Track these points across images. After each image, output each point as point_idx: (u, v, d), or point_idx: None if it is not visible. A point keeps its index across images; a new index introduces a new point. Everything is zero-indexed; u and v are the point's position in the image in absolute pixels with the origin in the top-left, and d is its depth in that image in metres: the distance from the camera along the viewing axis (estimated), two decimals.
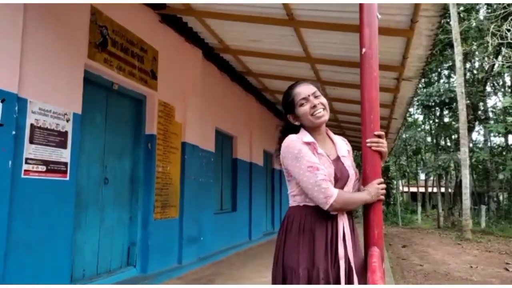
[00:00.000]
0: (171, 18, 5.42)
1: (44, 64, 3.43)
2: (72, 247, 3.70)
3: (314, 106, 1.68)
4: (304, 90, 1.72)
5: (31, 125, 3.28)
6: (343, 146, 1.79)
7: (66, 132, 3.62)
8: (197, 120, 6.15)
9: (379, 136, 1.73)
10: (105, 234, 4.41)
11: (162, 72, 5.32)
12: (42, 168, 3.36)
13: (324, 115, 1.70)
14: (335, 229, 1.62)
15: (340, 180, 1.65)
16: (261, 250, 7.50)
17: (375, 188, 1.64)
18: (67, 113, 3.65)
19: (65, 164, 3.59)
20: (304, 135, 1.69)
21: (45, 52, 3.44)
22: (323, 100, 1.73)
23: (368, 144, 1.72)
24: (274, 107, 10.46)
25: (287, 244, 1.64)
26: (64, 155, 3.59)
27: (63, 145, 3.59)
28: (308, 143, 1.64)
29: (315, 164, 1.57)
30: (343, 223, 1.64)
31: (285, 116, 1.81)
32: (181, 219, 5.59)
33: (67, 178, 3.60)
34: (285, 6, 4.39)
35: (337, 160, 1.71)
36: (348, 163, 1.74)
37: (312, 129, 1.72)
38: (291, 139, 1.65)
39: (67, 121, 3.64)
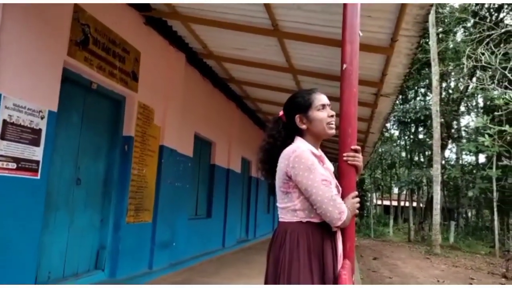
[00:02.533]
0: (155, 21, 5.38)
1: (21, 59, 3.34)
2: (38, 249, 3.58)
3: (332, 116, 1.68)
4: (324, 98, 1.71)
5: (4, 120, 3.17)
6: (329, 162, 1.79)
7: (40, 130, 3.52)
8: (177, 124, 6.10)
9: (356, 151, 1.76)
10: (74, 236, 4.29)
11: (143, 74, 5.26)
12: (13, 165, 3.25)
13: (334, 128, 1.70)
14: (335, 246, 1.60)
15: (337, 191, 1.66)
16: (234, 258, 7.45)
17: (351, 202, 1.64)
18: (42, 110, 3.55)
19: (37, 162, 3.49)
20: (311, 147, 1.64)
21: (23, 47, 3.35)
22: None
23: (345, 158, 1.76)
24: (255, 115, 10.50)
25: (294, 264, 1.51)
26: (37, 153, 3.49)
27: (36, 142, 3.49)
28: (316, 156, 1.60)
29: (328, 177, 1.54)
30: (340, 239, 1.66)
31: (287, 117, 1.73)
32: (155, 224, 5.50)
33: (38, 177, 3.50)
34: (271, 16, 4.44)
35: (332, 173, 1.72)
36: (335, 178, 1.74)
37: (316, 139, 1.70)
38: (302, 148, 1.57)
39: (42, 118, 3.55)
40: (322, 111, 1.67)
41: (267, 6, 4.19)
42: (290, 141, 1.69)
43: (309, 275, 1.50)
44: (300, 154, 1.54)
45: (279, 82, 6.95)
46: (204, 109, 7.37)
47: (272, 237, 1.67)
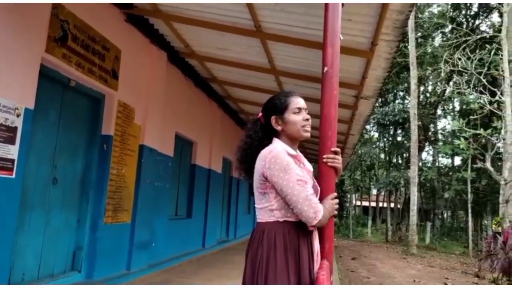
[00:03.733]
0: (137, 18, 5.31)
1: None
2: (12, 249, 3.48)
3: (307, 120, 1.71)
4: (302, 102, 1.75)
5: None
6: (308, 163, 1.82)
7: (15, 128, 3.43)
8: (157, 124, 6.04)
9: (335, 153, 1.79)
10: (50, 236, 4.18)
11: (124, 72, 5.18)
12: None
13: (309, 132, 1.73)
14: (311, 245, 1.63)
15: (314, 191, 1.67)
16: (214, 258, 7.43)
17: (330, 203, 1.66)
18: (18, 107, 3.46)
19: (12, 161, 3.39)
20: (287, 147, 1.67)
21: None
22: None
23: (324, 160, 1.78)
24: (236, 116, 10.49)
25: (271, 264, 1.53)
26: (12, 151, 3.39)
27: (11, 141, 3.39)
28: (292, 156, 1.64)
29: (303, 177, 1.57)
30: (317, 239, 1.68)
31: (265, 118, 1.76)
32: (133, 224, 5.43)
33: (13, 176, 3.40)
34: (254, 17, 4.45)
35: (310, 173, 1.75)
36: (314, 178, 1.77)
37: (292, 140, 1.73)
38: (278, 149, 1.61)
39: (18, 116, 3.45)
40: (298, 114, 1.70)
41: (250, 7, 4.19)
42: (267, 141, 1.72)
43: (286, 274, 1.52)
44: (276, 155, 1.58)
45: (261, 83, 6.97)
46: (185, 108, 7.32)
47: (250, 237, 1.69)
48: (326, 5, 1.97)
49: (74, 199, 4.61)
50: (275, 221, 1.59)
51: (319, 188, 1.72)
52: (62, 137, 4.35)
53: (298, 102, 1.73)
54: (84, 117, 4.77)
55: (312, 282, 1.57)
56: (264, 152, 1.62)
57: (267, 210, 1.61)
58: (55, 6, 3.90)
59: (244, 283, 1.63)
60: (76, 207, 4.65)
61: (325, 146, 1.82)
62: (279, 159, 1.56)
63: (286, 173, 1.53)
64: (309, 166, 1.78)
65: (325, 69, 1.89)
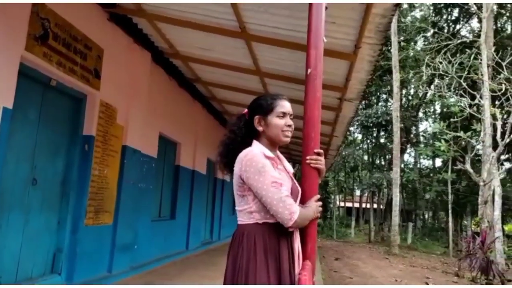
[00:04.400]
0: (120, 18, 5.25)
1: None
2: None
3: (289, 126, 1.72)
4: (288, 107, 1.75)
5: None
6: (288, 164, 1.84)
7: None
8: (141, 124, 5.97)
9: (319, 154, 1.80)
10: (29, 238, 4.08)
11: (106, 71, 5.11)
12: None
13: (290, 137, 1.74)
14: (291, 246, 1.63)
15: (294, 194, 1.68)
16: (198, 260, 7.38)
17: (314, 205, 1.67)
18: None
19: None
20: (264, 149, 1.67)
21: None
22: (293, 126, 1.77)
23: (308, 161, 1.79)
24: (221, 117, 10.47)
25: (251, 265, 1.54)
26: None
27: None
28: (270, 158, 1.64)
29: (279, 180, 1.56)
30: (298, 240, 1.68)
31: (247, 116, 1.77)
32: (115, 226, 5.35)
33: None
34: (238, 18, 4.45)
35: (288, 175, 1.75)
36: (294, 179, 1.78)
37: (272, 143, 1.73)
38: (254, 152, 1.61)
39: None
40: (281, 118, 1.71)
41: (234, 7, 4.19)
42: (249, 139, 1.73)
43: (266, 275, 1.52)
44: (251, 157, 1.58)
45: (246, 84, 6.98)
46: (169, 109, 7.26)
47: (232, 239, 1.69)
48: (310, 7, 1.99)
49: (54, 200, 4.52)
50: (255, 223, 1.60)
51: (299, 190, 1.73)
52: (42, 137, 4.26)
53: (283, 106, 1.73)
54: (65, 117, 4.67)
55: (293, 283, 1.58)
56: (241, 155, 1.63)
57: (246, 212, 1.62)
58: (35, 4, 3.82)
59: (224, 284, 1.64)
60: (56, 209, 4.56)
61: (309, 147, 1.83)
62: (255, 161, 1.56)
63: (261, 175, 1.54)
64: (290, 168, 1.80)
65: (309, 71, 1.90)
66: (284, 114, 1.71)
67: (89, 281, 4.66)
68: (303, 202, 1.75)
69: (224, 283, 1.64)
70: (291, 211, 1.51)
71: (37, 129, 4.19)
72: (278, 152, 1.83)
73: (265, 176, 1.54)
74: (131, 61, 5.68)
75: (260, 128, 1.72)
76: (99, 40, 4.94)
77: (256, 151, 1.63)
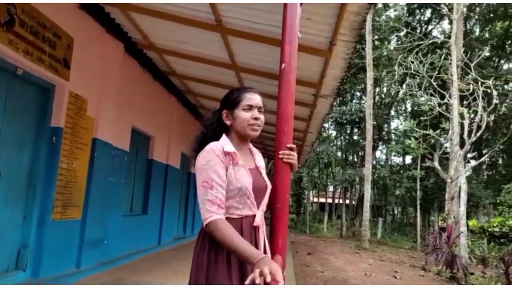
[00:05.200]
0: (91, 6, 5.07)
1: None
2: None
3: (256, 119, 1.68)
4: (255, 99, 1.71)
5: None
6: (260, 158, 1.83)
7: None
8: (112, 117, 5.82)
9: (291, 149, 1.81)
10: None
11: (76, 61, 4.94)
12: None
13: (258, 131, 1.71)
14: (256, 242, 1.62)
15: (259, 190, 1.67)
16: (169, 255, 7.30)
17: (268, 268, 1.27)
18: None
19: None
20: (226, 144, 1.64)
21: None
22: (263, 118, 1.74)
23: (280, 156, 1.79)
24: (196, 111, 10.36)
25: (212, 260, 1.54)
26: None
27: None
28: (228, 153, 1.61)
29: (212, 181, 1.52)
30: (263, 235, 1.66)
31: (218, 111, 1.76)
32: (84, 221, 5.20)
33: None
34: (214, 11, 4.40)
35: (256, 170, 1.74)
36: (265, 174, 1.77)
37: (240, 137, 1.71)
38: (209, 147, 1.59)
39: None
40: (248, 111, 1.68)
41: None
42: (219, 134, 1.72)
43: (227, 270, 1.52)
44: (201, 155, 1.59)
45: (222, 78, 6.92)
46: (143, 102, 7.11)
47: (198, 234, 1.69)
48: (285, 2, 1.98)
49: (19, 194, 4.35)
50: None
51: (268, 185, 1.73)
52: (7, 128, 4.08)
53: (250, 99, 1.70)
54: (32, 108, 4.49)
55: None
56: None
57: None
58: None
59: (190, 279, 1.63)
60: (22, 203, 4.39)
61: (281, 142, 1.83)
62: (200, 158, 1.57)
63: (198, 173, 1.55)
64: (261, 162, 1.79)
65: (283, 65, 1.90)
66: (250, 107, 1.68)
67: (56, 278, 4.52)
68: (275, 195, 1.76)
69: (190, 279, 1.63)
70: (205, 217, 1.49)
71: (2, 120, 4.02)
72: (250, 146, 1.82)
73: (202, 174, 1.54)
74: (103, 52, 5.51)
75: (228, 122, 1.71)
76: (69, 28, 4.77)
77: (213, 146, 1.60)
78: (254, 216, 1.63)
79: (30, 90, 4.45)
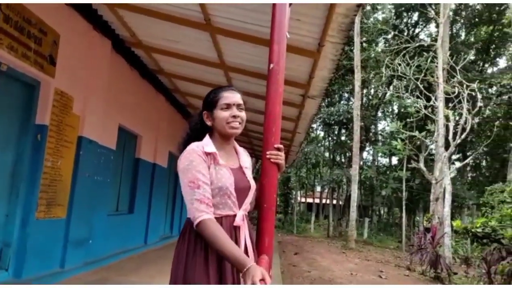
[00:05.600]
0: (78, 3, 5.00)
1: None
2: None
3: (234, 116, 1.68)
4: (232, 97, 1.70)
5: None
6: (245, 158, 1.82)
7: None
8: (99, 114, 5.75)
9: (278, 149, 1.81)
10: None
11: (62, 58, 4.87)
12: None
13: (238, 128, 1.70)
14: (237, 241, 1.61)
15: (242, 190, 1.67)
16: (156, 255, 7.25)
17: (256, 274, 1.33)
18: None
19: None
20: (207, 144, 1.65)
21: None
22: (243, 115, 1.73)
23: (268, 156, 1.79)
24: (184, 109, 10.30)
25: (190, 257, 1.56)
26: None
27: None
28: (209, 153, 1.61)
29: (198, 181, 1.53)
30: (245, 234, 1.65)
31: (201, 112, 1.77)
32: (69, 220, 5.13)
33: None
34: (203, 10, 4.38)
35: (240, 170, 1.73)
36: (250, 174, 1.76)
37: (222, 137, 1.71)
38: (190, 148, 1.61)
39: None
40: (226, 110, 1.68)
41: None
42: (202, 135, 1.73)
43: (205, 268, 1.53)
44: (184, 155, 1.60)
45: (210, 77, 6.90)
46: (130, 100, 7.04)
47: (180, 233, 1.70)
48: (274, 3, 1.98)
49: (2, 192, 4.27)
50: None
51: (251, 184, 1.72)
52: None
53: (227, 97, 1.70)
54: (16, 105, 4.41)
55: (236, 277, 1.57)
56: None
57: None
58: None
59: (170, 277, 1.64)
60: (5, 201, 4.31)
61: (269, 142, 1.83)
62: (184, 158, 1.58)
63: (183, 174, 1.56)
64: (245, 162, 1.79)
65: (271, 66, 1.90)
66: (228, 106, 1.68)
67: (40, 277, 4.45)
68: (262, 195, 1.76)
69: (170, 278, 1.64)
70: (194, 216, 1.50)
71: None
72: (236, 145, 1.82)
73: (187, 175, 1.55)
74: (89, 49, 5.44)
75: (209, 123, 1.73)
76: (55, 25, 4.69)
77: (194, 146, 1.61)
78: (235, 216, 1.63)
79: (15, 86, 4.37)
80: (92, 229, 5.73)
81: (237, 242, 1.60)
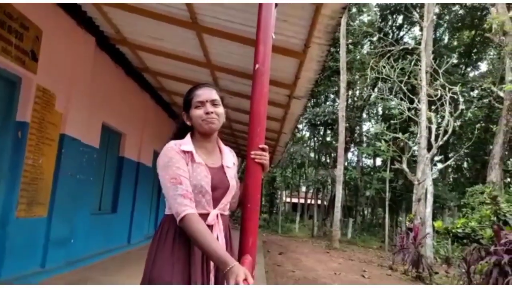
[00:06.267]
0: None
1: None
2: None
3: (208, 113, 1.66)
4: (205, 94, 1.70)
5: None
6: (229, 157, 1.80)
7: None
8: (82, 112, 5.66)
9: (263, 149, 1.81)
10: None
11: (45, 54, 4.77)
12: None
13: (215, 124, 1.68)
14: None
15: (219, 188, 1.65)
16: (139, 254, 7.17)
17: (239, 274, 1.31)
18: None
19: None
20: (185, 143, 1.65)
21: None
22: (220, 110, 1.71)
23: (252, 156, 1.79)
24: (170, 108, 10.23)
25: (158, 254, 1.56)
26: None
27: None
28: (186, 152, 1.61)
29: (180, 176, 1.54)
30: (217, 233, 1.62)
31: (182, 113, 1.78)
32: (50, 219, 5.03)
33: None
34: (190, 9, 4.36)
35: (220, 169, 1.71)
36: (231, 174, 1.74)
37: (202, 135, 1.71)
38: (168, 146, 1.61)
39: None
40: (200, 108, 1.68)
41: None
42: (185, 134, 1.73)
43: (170, 265, 1.53)
44: (163, 152, 1.60)
45: (196, 76, 6.86)
46: (114, 98, 6.95)
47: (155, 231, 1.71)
48: (260, 3, 1.99)
49: None
50: (171, 214, 1.59)
51: (230, 184, 1.69)
52: None
53: (199, 95, 1.70)
54: None
55: (207, 278, 1.57)
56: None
57: (167, 203, 1.63)
58: None
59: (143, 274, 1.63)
60: None
61: (253, 142, 1.83)
62: (162, 156, 1.59)
63: (163, 171, 1.56)
64: (227, 161, 1.76)
65: (257, 66, 1.90)
66: (201, 103, 1.68)
67: (20, 277, 4.35)
68: (246, 195, 1.76)
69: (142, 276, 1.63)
70: (177, 211, 1.49)
71: None
72: (220, 144, 1.82)
73: (167, 171, 1.55)
74: (73, 45, 5.35)
75: (188, 123, 1.73)
76: (37, 20, 4.60)
77: (172, 144, 1.62)
78: (208, 215, 1.61)
79: None
80: (74, 229, 5.64)
81: None
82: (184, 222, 1.48)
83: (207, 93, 1.70)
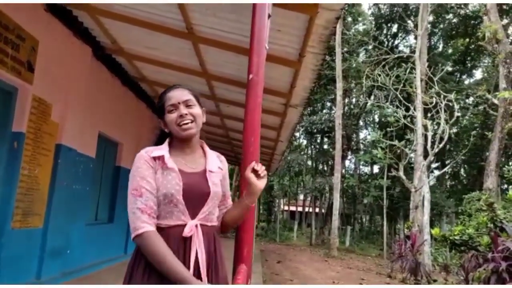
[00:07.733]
0: (58, 8, 4.95)
1: None
2: None
3: (181, 116, 1.52)
4: (176, 96, 1.56)
5: None
6: (214, 162, 1.63)
7: None
8: (78, 122, 5.66)
9: (254, 170, 1.60)
10: None
11: (41, 65, 4.79)
12: None
13: (192, 127, 1.53)
14: (188, 253, 1.44)
15: (197, 196, 1.49)
16: None
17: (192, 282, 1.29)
18: None
19: None
20: (158, 148, 1.53)
21: None
22: (196, 110, 1.56)
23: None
24: None
25: (134, 267, 1.46)
26: None
27: None
28: (157, 158, 1.49)
29: (141, 188, 1.42)
30: (196, 248, 1.45)
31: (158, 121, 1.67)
32: (46, 229, 5.00)
33: None
34: (186, 19, 4.39)
35: (202, 174, 1.55)
36: (215, 180, 1.57)
37: (180, 140, 1.57)
38: (139, 154, 1.51)
39: None
40: (173, 112, 1.54)
41: (182, 8, 4.13)
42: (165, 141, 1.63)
43: (140, 278, 1.42)
44: (134, 161, 1.50)
45: (193, 85, 6.77)
46: (111, 107, 6.96)
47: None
48: (253, 15, 2.01)
49: None
50: None
51: (208, 190, 1.51)
52: None
53: (170, 98, 1.56)
54: None
55: None
56: None
57: None
58: None
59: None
60: None
61: (248, 151, 1.84)
62: (133, 165, 1.49)
63: (129, 181, 1.47)
64: (211, 166, 1.59)
65: (251, 76, 1.92)
66: (174, 106, 1.54)
67: None
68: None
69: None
70: (134, 226, 1.39)
71: None
72: (206, 149, 1.68)
73: (131, 182, 1.46)
74: (69, 55, 5.37)
75: (166, 130, 1.60)
76: (34, 31, 4.62)
77: (143, 152, 1.51)
78: (184, 226, 1.45)
79: None
80: (69, 239, 5.61)
81: (185, 255, 1.43)
82: (139, 240, 1.38)
83: (179, 95, 1.57)
